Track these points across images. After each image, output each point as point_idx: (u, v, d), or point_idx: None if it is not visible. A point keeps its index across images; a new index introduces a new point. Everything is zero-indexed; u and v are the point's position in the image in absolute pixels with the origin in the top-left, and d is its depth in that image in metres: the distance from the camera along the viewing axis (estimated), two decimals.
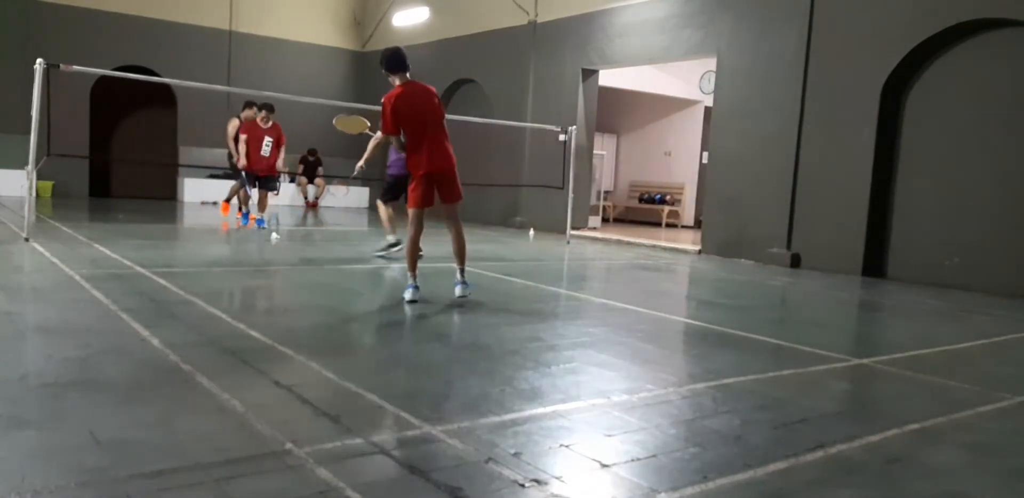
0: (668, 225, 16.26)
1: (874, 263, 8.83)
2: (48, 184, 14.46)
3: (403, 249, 7.09)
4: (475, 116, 12.24)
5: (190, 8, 16.01)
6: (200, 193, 15.74)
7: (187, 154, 16.11)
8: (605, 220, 16.34)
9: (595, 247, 11.07)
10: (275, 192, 10.83)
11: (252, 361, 3.50)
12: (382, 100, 5.33)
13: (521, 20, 13.84)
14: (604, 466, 2.45)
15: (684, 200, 16.50)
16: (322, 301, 5.62)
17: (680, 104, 16.35)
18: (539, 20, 13.53)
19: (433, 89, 5.53)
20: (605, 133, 17.17)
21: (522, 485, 2.25)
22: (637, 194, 17.36)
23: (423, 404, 3.03)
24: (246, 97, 14.08)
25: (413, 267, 5.40)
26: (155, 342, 3.72)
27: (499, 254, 9.45)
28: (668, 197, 16.51)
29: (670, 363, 4.24)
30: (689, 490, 2.29)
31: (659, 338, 4.83)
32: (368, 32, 18.13)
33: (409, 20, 16.67)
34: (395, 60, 5.44)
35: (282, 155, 10.59)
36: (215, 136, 15.20)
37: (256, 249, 8.62)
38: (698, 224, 14.42)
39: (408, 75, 5.46)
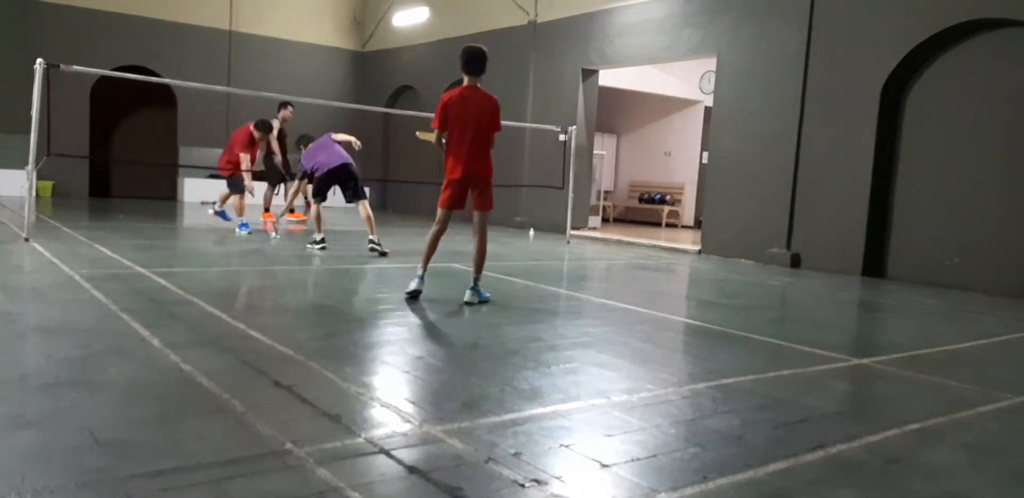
0: (668, 225, 16.26)
1: (874, 263, 8.83)
2: (48, 184, 14.46)
3: (323, 247, 8.16)
4: None
5: (190, 8, 16.01)
6: (200, 193, 15.73)
7: (187, 154, 16.10)
8: (605, 220, 16.34)
9: (595, 247, 11.07)
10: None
11: (252, 361, 3.50)
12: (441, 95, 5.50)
13: (521, 20, 13.84)
14: (604, 466, 2.45)
15: (684, 200, 16.50)
16: (322, 301, 5.62)
17: (680, 104, 16.35)
18: (539, 20, 13.53)
19: (494, 100, 5.50)
20: (605, 133, 17.17)
21: (522, 485, 2.25)
22: (637, 194, 17.36)
23: (423, 404, 3.04)
24: (246, 97, 14.11)
25: (426, 262, 5.58)
26: (155, 342, 3.72)
27: (499, 254, 9.45)
28: (668, 197, 16.51)
29: (670, 363, 4.24)
30: (689, 490, 2.29)
31: (659, 338, 4.83)
32: (368, 32, 18.13)
33: (409, 20, 16.68)
34: (470, 63, 5.41)
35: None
36: (215, 136, 15.23)
37: (256, 249, 8.62)
38: (698, 224, 14.42)
39: (478, 81, 5.46)
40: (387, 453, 2.46)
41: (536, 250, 10.25)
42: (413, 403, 3.04)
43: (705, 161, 12.81)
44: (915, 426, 3.08)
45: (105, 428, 2.52)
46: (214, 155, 14.91)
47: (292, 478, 2.21)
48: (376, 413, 2.89)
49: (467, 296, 5.44)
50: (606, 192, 17.54)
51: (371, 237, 8.20)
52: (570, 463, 2.47)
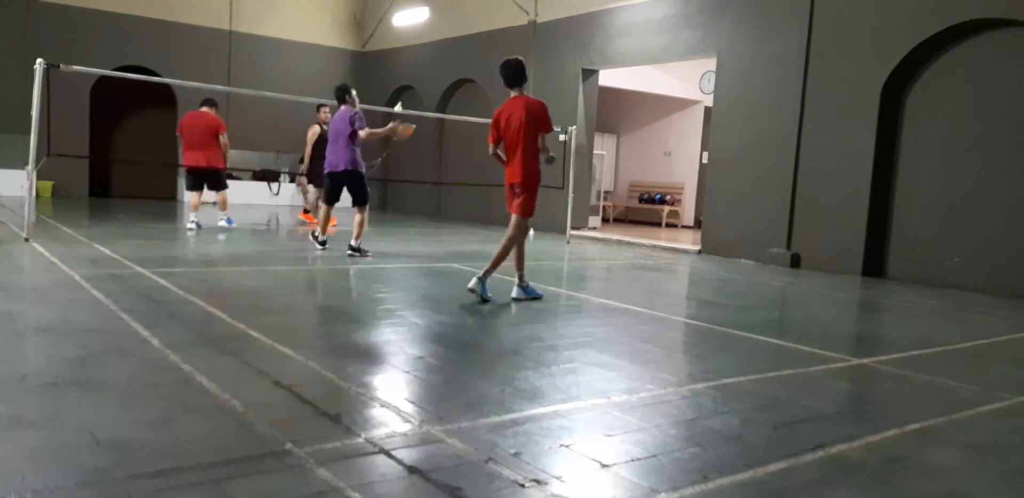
0: (668, 225, 16.26)
1: (874, 263, 8.83)
2: (48, 184, 14.46)
3: (324, 249, 8.02)
4: (475, 116, 12.24)
5: (190, 8, 16.01)
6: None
7: None
8: (605, 220, 16.35)
9: (595, 247, 11.07)
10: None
11: (252, 361, 3.50)
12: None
13: (521, 20, 13.84)
14: (604, 466, 2.45)
15: (684, 200, 16.50)
16: (322, 301, 5.62)
17: (680, 104, 16.36)
18: (539, 20, 13.53)
19: (535, 103, 5.64)
20: (605, 133, 17.17)
21: (522, 485, 2.25)
22: (637, 194, 17.36)
23: (423, 404, 3.03)
24: (246, 97, 14.12)
25: (520, 264, 5.81)
26: (155, 342, 3.72)
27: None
28: (668, 197, 16.51)
29: (670, 363, 4.24)
30: (689, 490, 2.29)
31: (659, 338, 4.83)
32: (368, 32, 18.13)
33: (409, 20, 16.68)
34: (507, 76, 5.66)
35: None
36: None
37: (256, 249, 8.62)
38: (698, 224, 14.42)
39: (520, 89, 5.69)
40: (387, 453, 2.46)
41: (536, 250, 10.25)
42: (413, 403, 3.04)
43: (705, 161, 12.81)
44: (915, 426, 3.08)
45: (105, 428, 2.52)
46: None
47: (292, 478, 2.21)
48: (376, 413, 2.89)
49: (471, 283, 5.59)
50: (606, 192, 17.55)
51: (352, 242, 7.89)
52: (570, 463, 2.47)
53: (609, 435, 2.77)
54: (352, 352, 3.91)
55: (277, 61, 17.05)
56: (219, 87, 12.05)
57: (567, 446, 2.62)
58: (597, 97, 13.30)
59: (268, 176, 16.53)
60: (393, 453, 2.46)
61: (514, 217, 5.76)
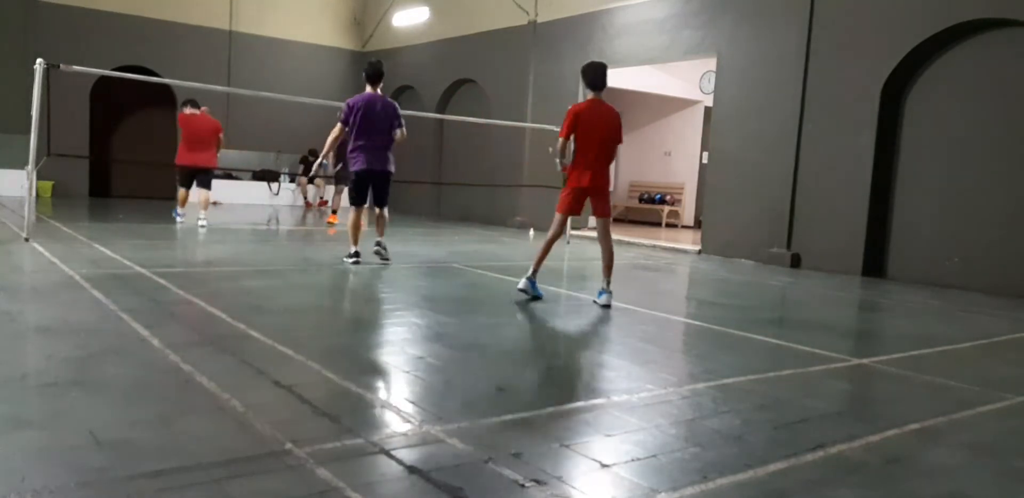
0: (668, 225, 16.25)
1: (874, 263, 8.83)
2: (48, 184, 14.46)
3: (358, 262, 7.07)
4: (475, 116, 12.24)
5: (190, 8, 16.01)
6: (200, 193, 15.71)
7: None
8: None
9: (595, 247, 11.02)
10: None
11: (252, 361, 3.50)
12: (569, 108, 5.68)
13: (521, 20, 13.84)
14: (604, 466, 2.45)
15: (684, 200, 16.50)
16: (322, 301, 5.62)
17: (680, 104, 16.35)
18: (539, 20, 13.53)
19: (618, 114, 5.79)
20: None
21: (522, 485, 2.25)
22: (637, 194, 17.35)
23: (423, 404, 3.03)
24: (246, 97, 14.12)
25: (539, 264, 5.83)
26: (155, 342, 3.72)
27: (499, 254, 9.45)
28: (668, 197, 16.50)
29: (670, 363, 4.24)
30: (689, 490, 2.29)
31: (659, 338, 4.83)
32: (368, 32, 18.13)
33: (409, 20, 16.67)
34: (596, 79, 5.68)
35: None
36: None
37: (256, 249, 8.62)
38: (698, 224, 14.41)
39: (601, 94, 5.72)
40: (387, 453, 2.45)
41: (536, 250, 10.23)
42: (413, 403, 3.04)
43: (705, 161, 12.80)
44: (915, 426, 3.08)
45: (105, 428, 2.52)
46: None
47: (292, 478, 2.21)
48: (376, 413, 2.89)
49: (603, 299, 5.61)
50: None
51: (382, 239, 7.43)
52: (570, 463, 2.47)
53: (609, 435, 2.77)
54: (352, 352, 3.91)
55: (277, 61, 17.05)
56: (219, 87, 12.07)
57: (567, 446, 2.62)
58: None
59: (268, 176, 16.53)
60: (393, 453, 2.46)
61: (606, 221, 5.84)
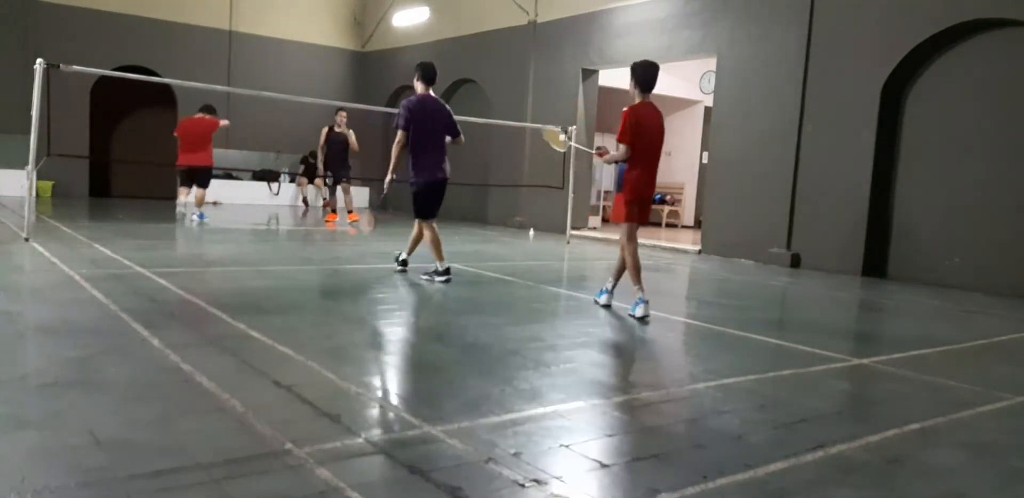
0: (668, 225, 16.25)
1: (874, 263, 8.83)
2: (48, 184, 14.46)
3: (448, 279, 6.42)
4: (475, 116, 12.24)
5: (190, 8, 16.01)
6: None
7: None
8: (605, 220, 16.33)
9: (595, 247, 11.06)
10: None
11: (252, 361, 3.50)
12: (624, 111, 5.35)
13: (521, 20, 13.84)
14: (604, 466, 2.45)
15: (684, 200, 16.50)
16: (322, 301, 5.61)
17: (680, 104, 16.35)
18: (539, 20, 13.53)
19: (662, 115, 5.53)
20: (605, 133, 17.15)
21: (522, 485, 2.25)
22: None
23: (423, 404, 3.03)
24: (246, 97, 14.12)
25: (638, 278, 5.34)
26: (155, 342, 3.72)
27: (499, 254, 9.45)
28: (668, 197, 16.50)
29: (670, 363, 4.24)
30: (689, 490, 2.29)
31: (659, 338, 4.83)
32: (368, 32, 18.13)
33: (409, 20, 16.68)
34: (650, 79, 5.44)
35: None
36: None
37: (256, 249, 8.62)
38: (698, 224, 14.41)
39: (649, 96, 5.47)
40: (387, 453, 2.45)
41: (536, 250, 10.25)
42: (413, 403, 3.04)
43: (705, 161, 12.80)
44: (915, 426, 3.08)
45: (105, 428, 2.52)
46: (215, 155, 14.92)
47: (292, 478, 2.21)
48: (376, 413, 2.89)
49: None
50: (606, 192, 17.54)
51: (407, 255, 6.93)
52: (570, 463, 2.47)
53: (609, 435, 2.77)
54: (352, 352, 3.91)
55: (277, 61, 17.05)
56: (219, 87, 12.08)
57: (567, 446, 2.62)
58: (597, 97, 13.29)
59: (268, 176, 16.54)
60: (393, 453, 2.46)
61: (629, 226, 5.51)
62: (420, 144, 6.42)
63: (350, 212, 12.47)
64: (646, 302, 5.19)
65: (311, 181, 16.60)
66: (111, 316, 4.29)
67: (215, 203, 14.20)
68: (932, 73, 8.47)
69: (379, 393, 3.15)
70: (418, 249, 6.89)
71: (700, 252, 10.65)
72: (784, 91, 9.50)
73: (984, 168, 7.97)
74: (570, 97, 13.00)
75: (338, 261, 7.85)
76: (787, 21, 9.49)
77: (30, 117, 7.45)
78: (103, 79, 14.07)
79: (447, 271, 6.45)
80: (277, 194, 16.69)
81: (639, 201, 5.41)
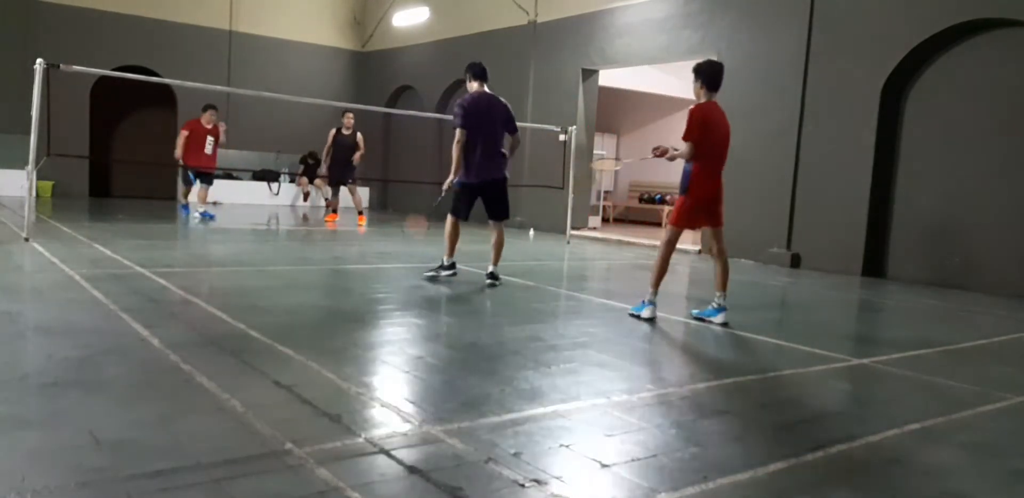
0: None
1: (874, 263, 8.83)
2: (48, 184, 14.46)
3: (454, 273, 6.54)
4: None
5: (190, 8, 16.01)
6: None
7: None
8: (605, 220, 16.34)
9: (595, 247, 11.06)
10: (211, 185, 11.94)
11: (252, 361, 3.50)
12: (690, 109, 5.26)
13: (521, 20, 13.84)
14: (604, 466, 2.45)
15: None
16: (322, 301, 5.61)
17: (680, 104, 16.32)
18: (539, 20, 13.53)
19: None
20: (605, 133, 17.17)
21: (522, 485, 2.25)
22: (637, 194, 17.36)
23: (423, 404, 3.03)
24: (246, 97, 14.12)
25: (658, 283, 5.24)
26: (155, 342, 3.72)
27: None
28: (668, 197, 16.49)
29: (670, 363, 4.24)
30: (689, 490, 2.29)
31: (659, 338, 4.82)
32: (368, 32, 18.13)
33: (409, 20, 16.67)
34: (717, 79, 5.33)
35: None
36: None
37: (256, 249, 8.62)
38: None
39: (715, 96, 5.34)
40: (387, 453, 2.45)
41: (536, 250, 10.25)
42: (413, 403, 3.04)
43: None
44: (915, 426, 3.08)
45: (105, 428, 2.52)
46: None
47: (292, 478, 2.21)
48: (376, 413, 2.89)
49: (720, 318, 5.16)
50: (606, 192, 17.55)
51: (493, 268, 6.61)
52: (570, 463, 2.47)
53: (609, 435, 2.77)
54: (352, 352, 3.91)
55: (277, 61, 17.05)
56: (219, 87, 12.09)
57: (567, 446, 2.62)
58: (597, 97, 13.29)
59: (268, 176, 16.54)
60: (393, 453, 2.46)
61: (721, 230, 5.38)
62: (471, 143, 6.34)
63: (360, 214, 12.50)
64: (653, 305, 5.19)
65: (311, 181, 16.60)
66: (111, 316, 4.29)
67: (215, 203, 14.20)
68: (932, 73, 8.47)
69: (379, 393, 3.15)
70: (502, 252, 6.74)
71: (700, 252, 10.64)
72: (784, 91, 9.49)
73: (984, 168, 7.97)
74: (570, 97, 13.00)
75: (339, 261, 7.85)
76: (787, 21, 9.49)
77: (30, 117, 7.45)
78: (103, 79, 14.06)
79: (452, 266, 6.52)
80: (277, 194, 16.68)
81: (701, 203, 5.23)
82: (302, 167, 16.53)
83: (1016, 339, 5.38)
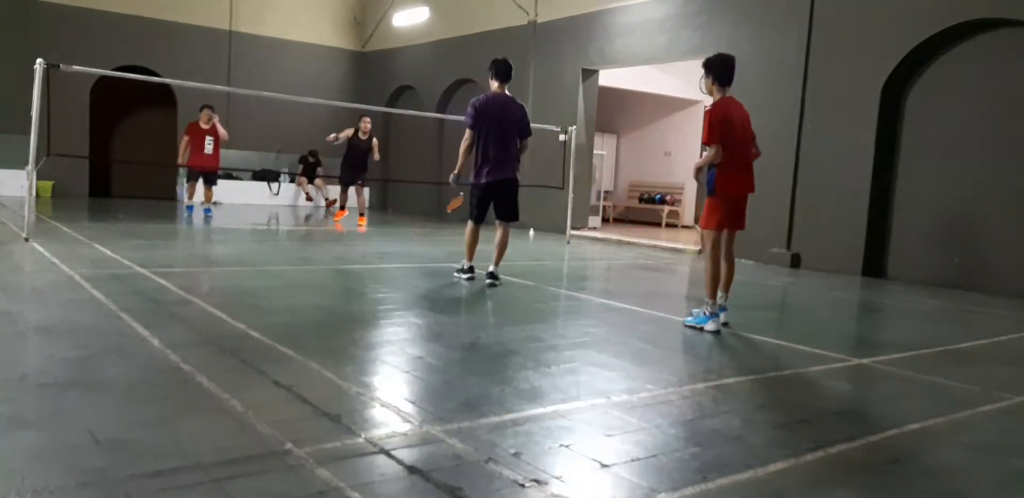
0: (668, 225, 16.26)
1: (874, 263, 8.83)
2: (48, 184, 14.46)
3: (472, 277, 6.52)
4: None
5: (190, 8, 16.01)
6: (200, 193, 15.73)
7: None
8: (605, 220, 16.34)
9: (595, 247, 11.06)
10: (214, 185, 12.17)
11: (252, 361, 3.50)
12: (706, 110, 5.01)
13: (521, 20, 13.84)
14: (604, 466, 2.45)
15: (684, 200, 16.50)
16: (322, 301, 5.61)
17: (680, 104, 16.36)
18: (539, 20, 13.53)
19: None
20: (605, 133, 17.17)
21: (522, 485, 2.25)
22: (637, 194, 17.36)
23: (423, 404, 3.03)
24: (246, 97, 14.12)
25: (713, 292, 4.92)
26: (155, 342, 3.72)
27: None
28: (668, 197, 16.51)
29: (670, 363, 4.24)
30: (689, 490, 2.29)
31: (659, 338, 4.82)
32: (368, 32, 18.13)
33: (409, 20, 16.68)
34: (730, 72, 5.06)
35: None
36: None
37: (256, 249, 8.62)
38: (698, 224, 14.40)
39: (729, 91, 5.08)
40: (387, 453, 2.46)
41: (536, 250, 10.25)
42: (413, 403, 3.04)
43: None
44: (915, 426, 3.08)
45: (105, 428, 2.52)
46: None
47: (292, 478, 2.21)
48: (376, 413, 2.89)
49: (722, 317, 4.99)
50: (606, 192, 17.55)
51: (493, 268, 6.56)
52: (570, 463, 2.47)
53: (609, 435, 2.77)
54: (352, 352, 3.91)
55: (277, 61, 17.05)
56: (219, 87, 12.11)
57: (567, 446, 2.62)
58: (597, 97, 13.29)
59: (268, 176, 16.54)
60: (393, 453, 2.46)
61: (734, 234, 5.10)
62: (481, 143, 6.30)
63: (361, 214, 12.47)
64: (717, 316, 4.87)
65: (311, 181, 16.61)
66: (111, 316, 4.29)
67: (215, 203, 14.19)
68: (932, 73, 8.47)
69: (379, 393, 3.15)
70: (505, 253, 6.72)
71: (700, 252, 10.64)
72: (784, 91, 9.49)
73: (984, 168, 7.97)
74: (570, 97, 13.00)
75: (339, 261, 7.85)
76: (787, 21, 9.49)
77: (30, 117, 7.45)
78: (103, 79, 14.07)
79: (470, 269, 6.63)
80: (277, 194, 16.69)
81: (725, 204, 4.97)
82: (302, 167, 16.53)
83: (1016, 339, 5.38)
